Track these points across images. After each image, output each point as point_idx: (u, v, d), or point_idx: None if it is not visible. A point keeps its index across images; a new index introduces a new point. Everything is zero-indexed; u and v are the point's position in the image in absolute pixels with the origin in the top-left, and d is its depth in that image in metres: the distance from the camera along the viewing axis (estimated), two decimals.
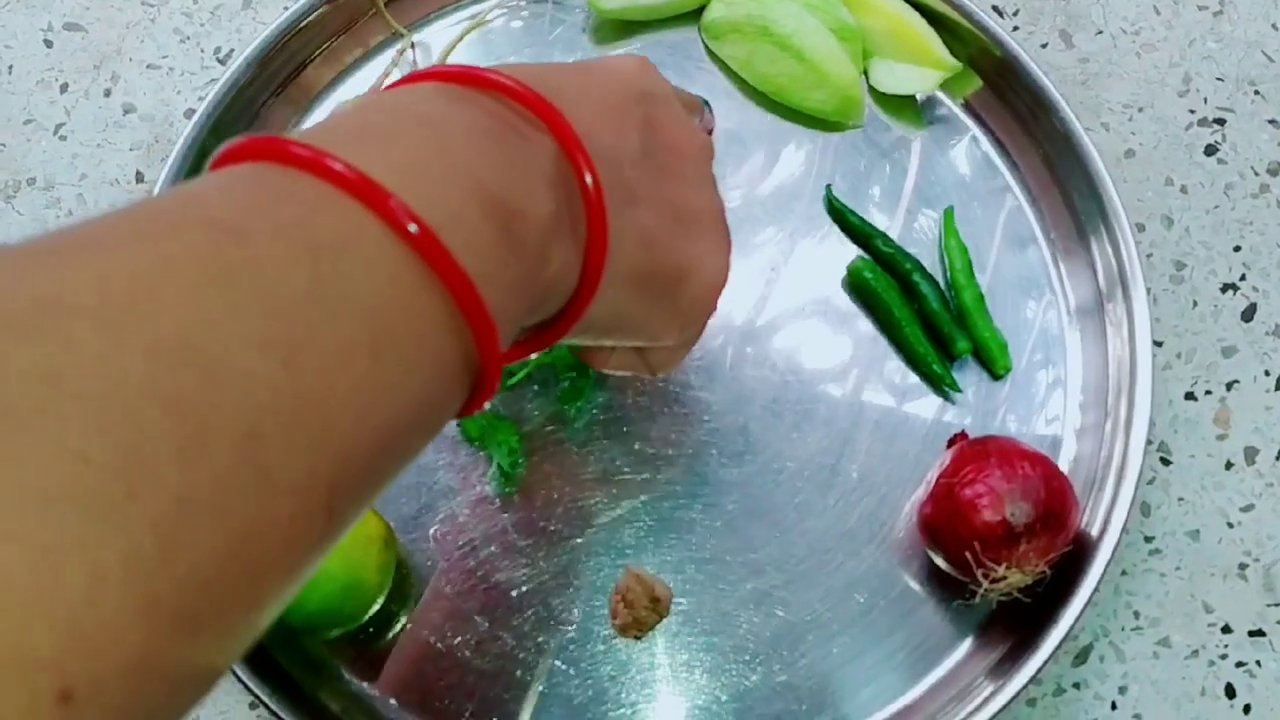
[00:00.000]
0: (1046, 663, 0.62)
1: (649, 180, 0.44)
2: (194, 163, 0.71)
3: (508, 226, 0.34)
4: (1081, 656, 0.66)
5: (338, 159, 0.30)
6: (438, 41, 0.77)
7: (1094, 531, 0.64)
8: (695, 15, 0.77)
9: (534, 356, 0.65)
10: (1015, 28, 0.79)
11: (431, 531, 0.67)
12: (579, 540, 0.67)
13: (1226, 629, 0.66)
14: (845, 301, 0.72)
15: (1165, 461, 0.69)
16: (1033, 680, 0.61)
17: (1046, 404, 0.70)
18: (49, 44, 0.79)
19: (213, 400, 0.25)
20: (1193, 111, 0.76)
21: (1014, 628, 0.64)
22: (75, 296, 0.24)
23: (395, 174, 0.31)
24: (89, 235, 0.27)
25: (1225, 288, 0.73)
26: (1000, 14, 0.79)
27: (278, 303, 0.27)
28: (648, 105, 0.45)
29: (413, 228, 0.30)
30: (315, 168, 0.30)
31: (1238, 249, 0.73)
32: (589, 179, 0.38)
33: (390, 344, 0.30)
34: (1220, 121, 0.76)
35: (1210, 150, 0.76)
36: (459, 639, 0.65)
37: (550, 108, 0.38)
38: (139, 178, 0.76)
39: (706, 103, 0.60)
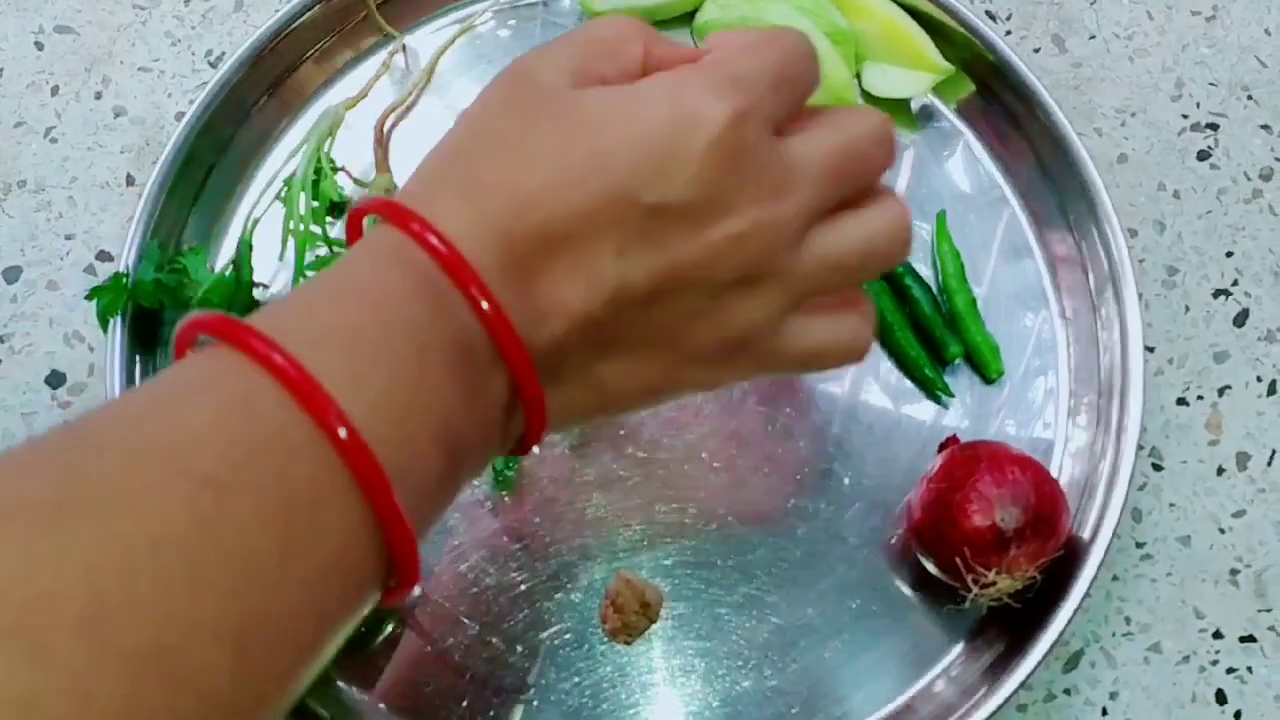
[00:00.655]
0: (1037, 668, 0.61)
1: (634, 320, 0.38)
2: (184, 165, 0.71)
3: (455, 451, 0.35)
4: (1072, 662, 0.66)
5: (321, 392, 0.31)
6: (428, 45, 0.77)
7: (1085, 536, 0.64)
8: (687, 18, 0.77)
9: None
10: (1008, 32, 0.79)
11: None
12: (571, 544, 0.67)
13: (1217, 635, 0.66)
14: None
15: (1157, 467, 0.69)
16: (1023, 686, 0.61)
17: (1038, 409, 0.70)
18: (40, 46, 0.78)
19: (174, 710, 0.27)
20: (1185, 116, 0.76)
21: (1005, 633, 0.64)
22: (64, 600, 0.26)
23: (372, 413, 0.32)
24: (81, 491, 0.28)
25: (1217, 293, 0.73)
26: (993, 18, 0.79)
27: (240, 579, 0.29)
28: (657, 200, 0.36)
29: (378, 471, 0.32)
30: (297, 392, 0.32)
31: (1230, 254, 0.73)
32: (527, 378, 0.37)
33: (334, 599, 0.32)
34: (1213, 126, 0.76)
35: (1203, 155, 0.76)
36: (450, 643, 0.65)
37: (505, 326, 0.35)
38: (129, 180, 0.75)
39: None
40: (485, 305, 0.35)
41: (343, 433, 0.31)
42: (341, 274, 0.36)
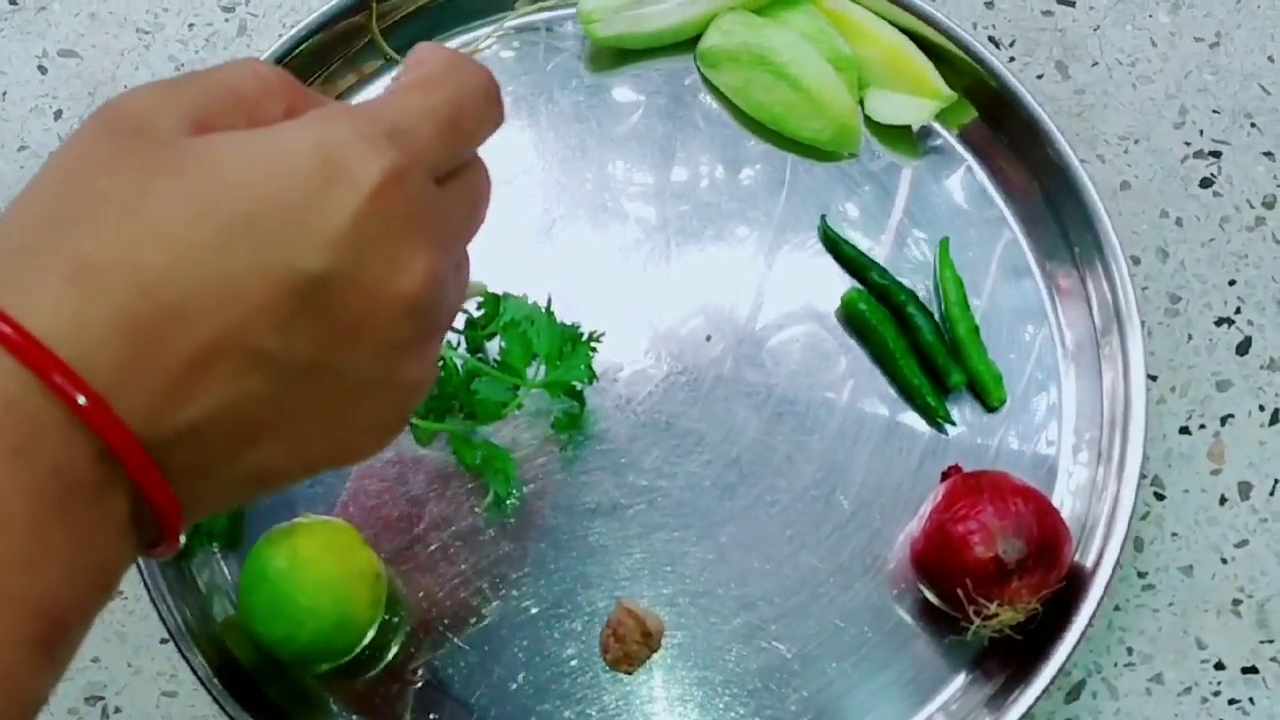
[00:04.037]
0: (1039, 699, 0.62)
1: (289, 403, 0.34)
2: None
3: (59, 627, 0.32)
4: (1074, 693, 0.66)
5: None
6: None
7: (1087, 565, 0.64)
8: (691, 43, 0.77)
9: (521, 392, 0.65)
10: (1011, 59, 0.79)
11: (421, 562, 0.67)
12: (572, 572, 0.67)
13: (1219, 666, 0.66)
14: (839, 332, 0.71)
15: (1159, 496, 0.69)
16: (1025, 717, 0.61)
17: (1040, 437, 0.69)
18: (43, 70, 0.79)
19: None
20: (1188, 144, 0.76)
21: (1007, 663, 0.64)
22: None
23: None
24: None
25: (1220, 321, 0.73)
26: (996, 45, 0.79)
27: None
28: (315, 268, 0.32)
29: None
30: None
31: (1233, 283, 0.73)
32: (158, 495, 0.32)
33: None
34: (1216, 154, 0.76)
35: (1206, 183, 0.76)
36: (450, 671, 0.65)
37: (115, 427, 0.30)
38: None
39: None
40: (82, 400, 0.30)
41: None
42: None
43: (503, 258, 0.73)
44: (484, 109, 0.37)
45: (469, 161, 0.38)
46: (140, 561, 0.63)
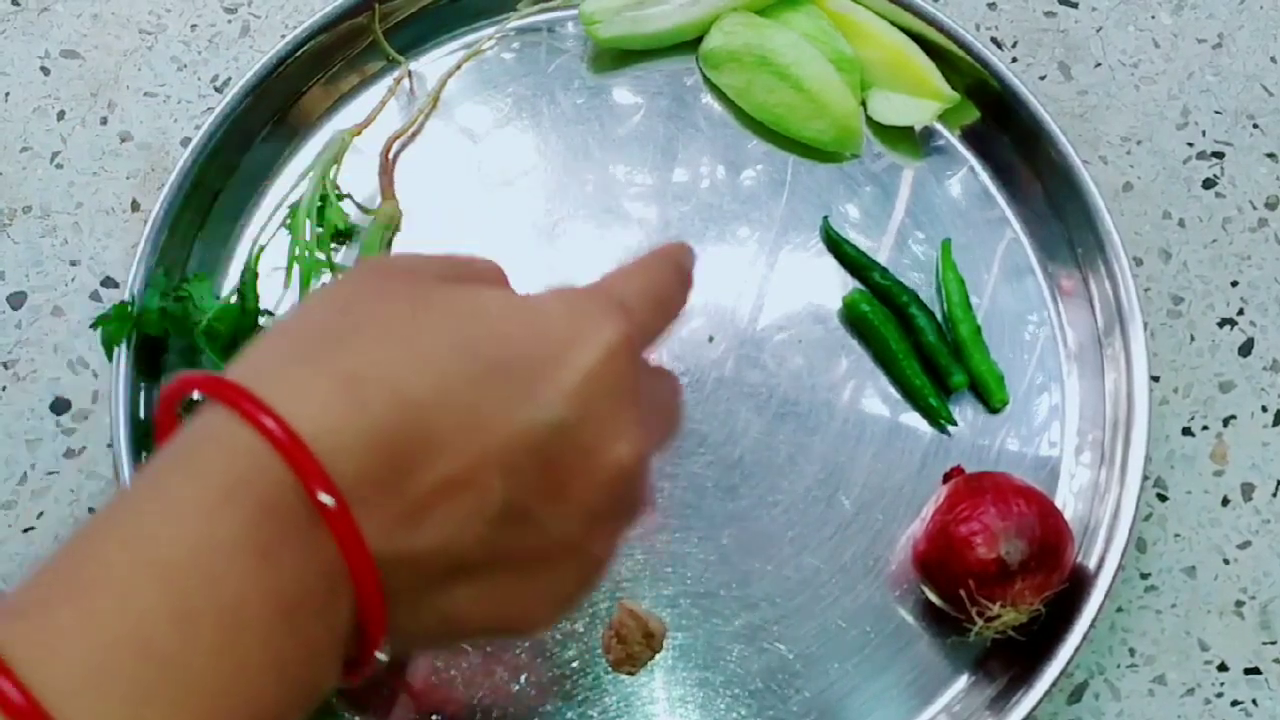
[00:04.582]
0: (1042, 700, 0.61)
1: (494, 551, 0.35)
2: (190, 192, 0.71)
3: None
4: (1077, 694, 0.65)
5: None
6: (434, 70, 0.77)
7: (1090, 567, 0.64)
8: (693, 44, 0.77)
9: None
10: (1014, 59, 0.79)
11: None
12: None
13: (1222, 667, 0.66)
14: (841, 333, 0.71)
15: (1162, 497, 0.69)
16: (1028, 718, 0.61)
17: (1043, 438, 0.69)
18: (46, 71, 0.79)
19: None
20: (1191, 145, 0.76)
21: (1009, 664, 0.64)
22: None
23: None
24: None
25: (1223, 322, 0.73)
26: (999, 45, 0.79)
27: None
28: (554, 417, 0.35)
29: None
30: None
31: (1235, 284, 0.73)
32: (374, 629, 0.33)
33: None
34: (1219, 155, 0.76)
35: (1209, 184, 0.75)
36: (451, 673, 0.65)
37: (360, 549, 0.32)
38: (135, 206, 0.75)
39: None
40: (330, 501, 0.31)
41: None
42: (142, 514, 0.31)
43: (505, 259, 0.72)
44: (682, 289, 0.42)
45: (665, 373, 0.42)
46: None
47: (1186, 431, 0.70)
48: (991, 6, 0.80)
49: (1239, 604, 0.67)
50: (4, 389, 0.71)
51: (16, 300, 0.73)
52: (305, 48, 0.75)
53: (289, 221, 0.69)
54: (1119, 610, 0.67)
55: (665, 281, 0.42)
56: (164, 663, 0.28)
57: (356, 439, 0.31)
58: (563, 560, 0.37)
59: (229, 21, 0.80)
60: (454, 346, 0.33)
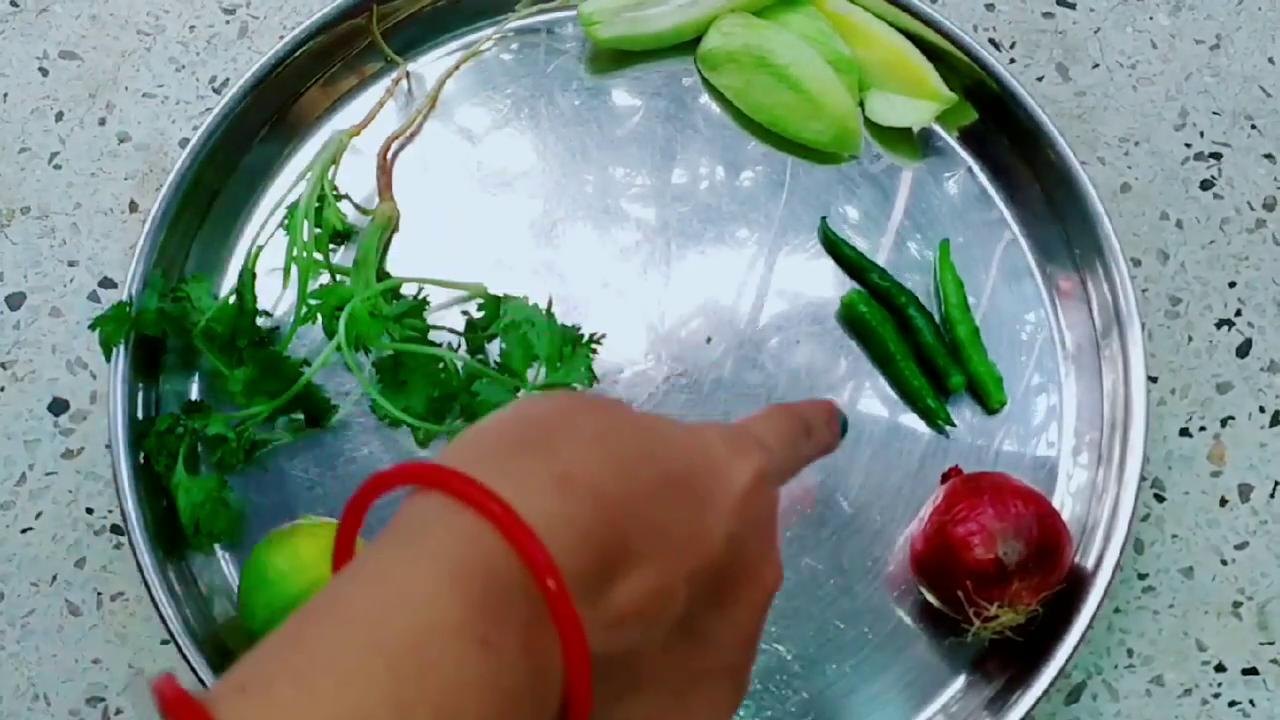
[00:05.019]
0: (1039, 701, 0.61)
1: (663, 665, 0.37)
2: (188, 192, 0.71)
3: None
4: (1074, 695, 0.66)
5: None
6: (432, 71, 0.77)
7: (1087, 567, 0.64)
8: (692, 45, 0.77)
9: (521, 394, 0.65)
10: (1012, 60, 0.79)
11: None
12: None
13: (1220, 668, 0.66)
14: (839, 334, 0.72)
15: (1159, 498, 0.69)
16: (1026, 718, 0.61)
17: (1041, 439, 0.69)
18: (44, 72, 0.79)
19: None
20: (1189, 146, 0.76)
21: (1007, 665, 0.64)
22: None
23: None
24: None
25: (1221, 323, 0.73)
26: (997, 47, 0.79)
27: None
28: (725, 562, 0.37)
29: None
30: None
31: (1233, 284, 0.73)
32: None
33: None
34: (1216, 156, 0.76)
35: (1206, 185, 0.76)
36: None
37: (581, 649, 0.32)
38: (133, 207, 0.75)
39: (844, 421, 0.50)
40: (552, 585, 0.31)
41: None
42: (364, 597, 0.32)
43: (503, 259, 0.73)
44: (808, 439, 0.46)
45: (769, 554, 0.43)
46: (141, 562, 0.64)
47: (1184, 432, 0.70)
48: (989, 7, 0.80)
49: (1236, 605, 0.67)
50: (2, 389, 0.71)
51: (15, 301, 0.73)
52: (303, 49, 0.75)
53: (287, 222, 0.69)
54: (1117, 611, 0.67)
55: (795, 427, 0.45)
56: None
57: (573, 535, 0.32)
58: (717, 680, 0.39)
59: (227, 22, 0.80)
60: (641, 455, 0.35)
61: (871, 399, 0.70)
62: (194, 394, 0.70)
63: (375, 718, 0.29)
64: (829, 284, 0.72)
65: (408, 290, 0.69)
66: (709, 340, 0.71)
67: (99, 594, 0.68)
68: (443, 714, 0.29)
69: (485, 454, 0.34)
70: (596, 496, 0.33)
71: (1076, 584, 0.63)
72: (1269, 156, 0.76)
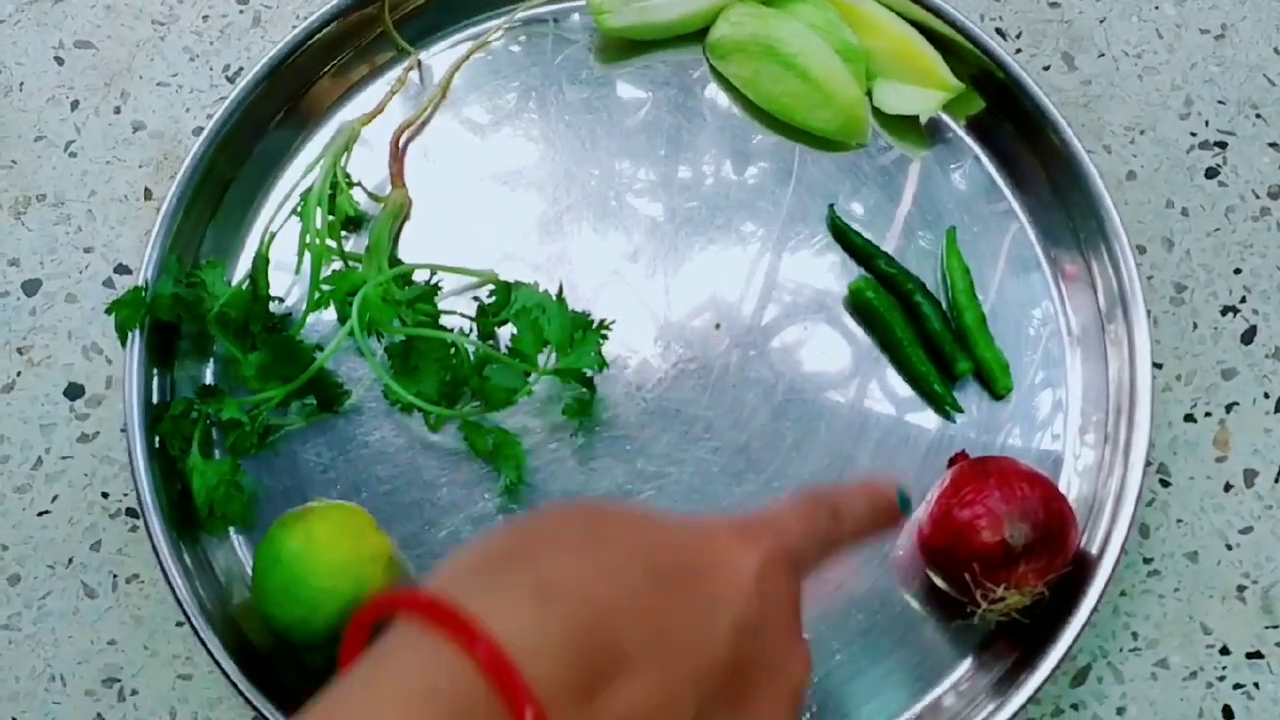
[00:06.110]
0: (1045, 683, 0.62)
1: None
2: (202, 180, 0.72)
3: None
4: (1080, 677, 0.66)
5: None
6: (442, 61, 0.78)
7: (1093, 552, 0.65)
8: (700, 35, 0.78)
9: (532, 379, 0.66)
10: (1018, 50, 0.79)
11: (433, 546, 0.67)
12: None
13: (1224, 651, 0.66)
14: (847, 320, 0.72)
15: (1164, 483, 0.70)
16: (1031, 700, 0.62)
17: (1047, 424, 0.70)
18: (60, 61, 0.79)
19: None
20: (1194, 134, 0.77)
21: (1013, 647, 0.65)
22: None
23: None
24: None
25: (1225, 310, 0.73)
26: (1003, 36, 0.79)
27: None
28: (738, 659, 0.37)
29: None
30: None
31: (1238, 271, 0.74)
32: None
33: None
34: (1221, 144, 0.77)
35: (1211, 173, 0.76)
36: None
37: None
38: (148, 194, 0.76)
39: (905, 500, 0.50)
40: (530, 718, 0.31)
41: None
42: (347, 705, 0.32)
43: (514, 247, 0.73)
44: (834, 521, 0.45)
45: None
46: (156, 545, 0.64)
47: (1189, 418, 0.71)
48: None
49: (1241, 588, 0.68)
50: (19, 374, 0.72)
51: (31, 287, 0.74)
52: (316, 38, 0.76)
53: (300, 209, 0.70)
54: (1122, 594, 0.67)
55: (816, 514, 0.45)
56: None
57: (552, 643, 0.32)
58: None
59: (240, 12, 0.81)
60: (631, 552, 0.35)
61: (878, 385, 0.71)
62: (208, 379, 0.71)
63: None
64: (836, 272, 0.73)
65: (419, 276, 0.70)
66: (718, 327, 0.72)
67: (114, 576, 0.68)
68: None
69: (465, 573, 0.35)
70: (580, 603, 0.33)
71: (1082, 567, 0.64)
72: (1274, 145, 0.77)
